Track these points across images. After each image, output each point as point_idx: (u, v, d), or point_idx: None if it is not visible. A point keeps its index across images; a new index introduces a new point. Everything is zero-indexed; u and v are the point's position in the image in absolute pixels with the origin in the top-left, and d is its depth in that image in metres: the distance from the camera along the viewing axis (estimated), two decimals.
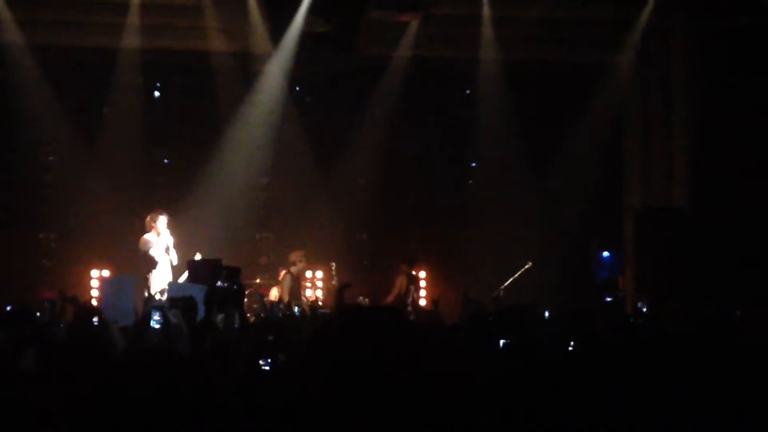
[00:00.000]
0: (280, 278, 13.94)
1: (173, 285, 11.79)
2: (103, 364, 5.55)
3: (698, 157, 13.65)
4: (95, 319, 7.82)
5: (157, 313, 7.94)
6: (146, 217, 12.52)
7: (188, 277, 11.81)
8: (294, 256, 13.93)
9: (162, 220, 12.44)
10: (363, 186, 15.50)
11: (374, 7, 12.89)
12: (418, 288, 13.85)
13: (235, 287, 10.11)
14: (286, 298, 13.15)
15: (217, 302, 9.06)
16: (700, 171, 13.73)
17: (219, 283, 10.02)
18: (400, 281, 14.20)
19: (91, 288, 14.42)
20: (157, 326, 7.66)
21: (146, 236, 12.41)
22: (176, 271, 12.43)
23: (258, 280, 14.55)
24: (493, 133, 15.06)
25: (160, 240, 12.38)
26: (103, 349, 6.03)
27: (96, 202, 14.65)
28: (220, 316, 8.47)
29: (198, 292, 10.36)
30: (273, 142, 15.09)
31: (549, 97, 14.97)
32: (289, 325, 8.82)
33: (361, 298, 12.97)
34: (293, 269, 13.83)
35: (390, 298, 13.83)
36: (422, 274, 15.33)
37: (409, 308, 13.04)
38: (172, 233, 12.48)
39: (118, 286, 12.34)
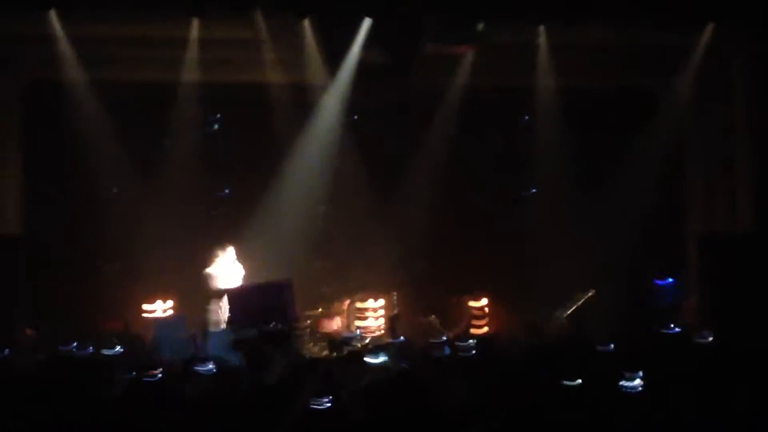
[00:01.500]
0: (344, 307, 14.18)
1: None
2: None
3: (762, 183, 13.71)
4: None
5: (210, 363, 8.00)
6: (213, 249, 12.62)
7: (230, 309, 11.83)
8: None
9: (229, 253, 12.53)
10: (420, 216, 15.31)
11: (429, 40, 12.95)
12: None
13: (284, 322, 10.85)
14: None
15: (268, 342, 9.61)
16: (764, 196, 13.66)
17: (268, 326, 10.78)
18: (468, 311, 14.51)
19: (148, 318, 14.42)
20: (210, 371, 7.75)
21: (210, 269, 12.43)
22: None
23: (320, 310, 14.54)
24: (550, 159, 15.04)
25: (226, 273, 12.42)
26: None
27: (158, 233, 14.67)
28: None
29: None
30: (330, 172, 15.12)
31: (607, 122, 14.96)
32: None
33: (433, 317, 12.92)
34: (356, 299, 14.11)
35: (461, 327, 14.10)
36: (483, 301, 15.33)
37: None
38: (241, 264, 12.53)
39: (169, 327, 12.41)
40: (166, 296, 14.70)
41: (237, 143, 15.42)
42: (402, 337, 11.33)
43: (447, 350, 8.89)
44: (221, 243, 12.72)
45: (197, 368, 7.94)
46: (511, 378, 6.75)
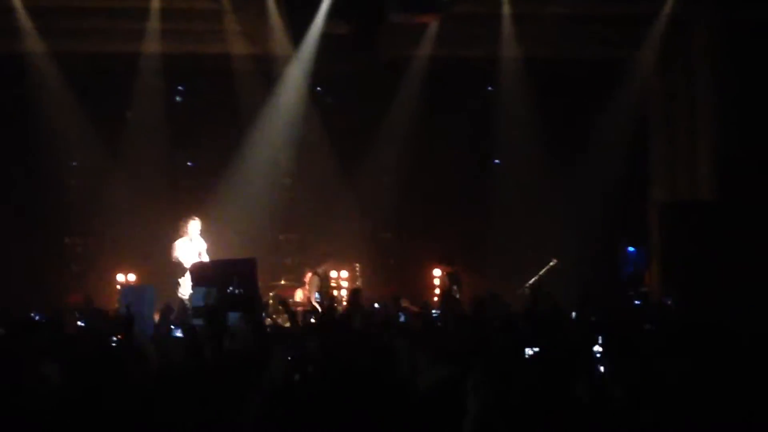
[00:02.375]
0: (305, 279, 13.87)
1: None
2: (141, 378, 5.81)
3: (724, 151, 13.60)
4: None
5: (179, 330, 8.07)
6: (178, 222, 12.47)
7: (193, 282, 11.67)
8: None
9: (194, 225, 12.33)
10: (387, 185, 15.41)
11: (393, 9, 12.84)
12: (462, 287, 13.58)
13: (246, 291, 10.57)
14: (312, 299, 13.24)
15: (228, 308, 9.20)
16: (726, 165, 13.62)
17: (231, 289, 10.48)
18: (442, 281, 14.15)
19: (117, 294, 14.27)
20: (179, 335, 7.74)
21: (177, 242, 12.30)
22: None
23: (283, 282, 14.50)
24: (516, 130, 14.99)
25: (192, 245, 12.29)
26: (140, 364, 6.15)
27: (121, 206, 14.70)
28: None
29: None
30: (295, 143, 15.10)
31: (571, 93, 14.90)
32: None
33: (402, 300, 12.81)
34: (320, 270, 13.91)
35: (441, 299, 13.86)
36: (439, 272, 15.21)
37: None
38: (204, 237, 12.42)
39: (136, 295, 12.08)
40: (130, 270, 14.79)
41: (201, 115, 15.41)
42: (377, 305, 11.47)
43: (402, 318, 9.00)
44: (186, 216, 12.56)
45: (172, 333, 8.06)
46: (465, 347, 6.65)
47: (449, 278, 13.67)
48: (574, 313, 9.67)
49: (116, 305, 12.90)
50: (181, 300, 11.94)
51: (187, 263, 12.14)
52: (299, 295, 13.68)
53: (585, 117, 14.93)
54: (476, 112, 15.55)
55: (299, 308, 12.60)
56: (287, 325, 10.98)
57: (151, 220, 14.33)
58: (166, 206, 14.37)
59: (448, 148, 15.61)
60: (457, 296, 13.19)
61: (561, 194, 14.94)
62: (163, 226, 13.34)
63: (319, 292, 13.52)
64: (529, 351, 6.65)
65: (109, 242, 15.13)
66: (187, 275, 12.16)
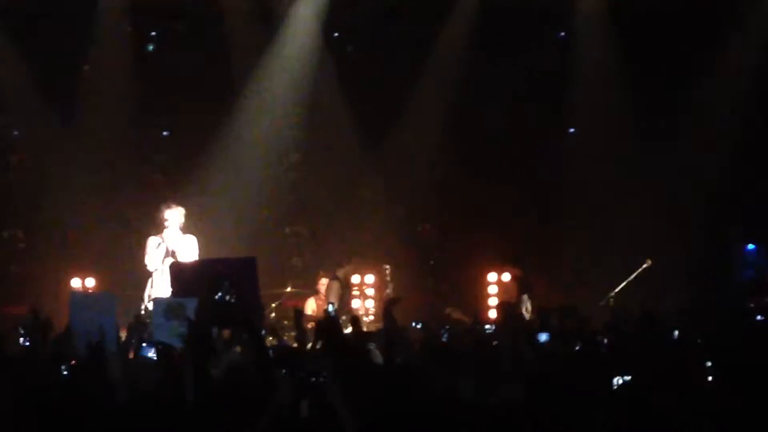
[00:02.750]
0: (319, 286, 13.99)
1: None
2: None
3: None
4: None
5: (152, 350, 8.09)
6: (153, 210, 12.47)
7: (173, 288, 11.60)
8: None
9: (174, 215, 12.26)
10: (424, 162, 15.38)
11: None
12: (534, 296, 13.60)
13: (242, 300, 9.99)
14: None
15: (218, 323, 8.87)
16: None
17: (220, 296, 9.91)
18: (509, 288, 14.15)
19: None
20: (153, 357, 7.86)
21: (152, 238, 12.26)
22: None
23: (288, 289, 14.49)
24: (596, 91, 15.09)
25: (169, 241, 12.27)
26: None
27: (76, 190, 14.67)
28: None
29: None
30: (304, 108, 15.09)
31: (671, 41, 14.95)
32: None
33: (449, 310, 12.89)
34: (340, 273, 13.92)
35: (498, 313, 13.40)
36: (507, 276, 15.19)
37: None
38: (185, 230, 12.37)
39: (90, 305, 11.43)
40: (88, 273, 14.66)
41: (179, 70, 15.24)
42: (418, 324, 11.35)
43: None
44: (163, 202, 12.46)
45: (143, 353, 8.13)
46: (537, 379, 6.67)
47: (519, 285, 13.67)
48: (676, 332, 9.50)
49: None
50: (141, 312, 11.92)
51: (151, 266, 12.19)
52: (311, 307, 13.76)
53: (692, 68, 15.02)
54: (544, 66, 15.48)
55: (310, 324, 12.38)
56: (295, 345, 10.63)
57: (116, 208, 14.45)
58: (135, 190, 14.52)
59: (506, 112, 15.48)
60: (528, 309, 13.20)
61: (656, 175, 15.01)
62: (131, 217, 13.63)
63: (338, 303, 13.57)
64: (617, 381, 6.77)
65: (60, 237, 15.09)
66: (162, 281, 12.14)
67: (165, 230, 12.11)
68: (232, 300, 10.08)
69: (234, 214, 14.42)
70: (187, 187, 14.37)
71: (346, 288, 14.07)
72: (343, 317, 12.62)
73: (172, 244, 12.15)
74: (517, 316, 12.44)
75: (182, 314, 10.31)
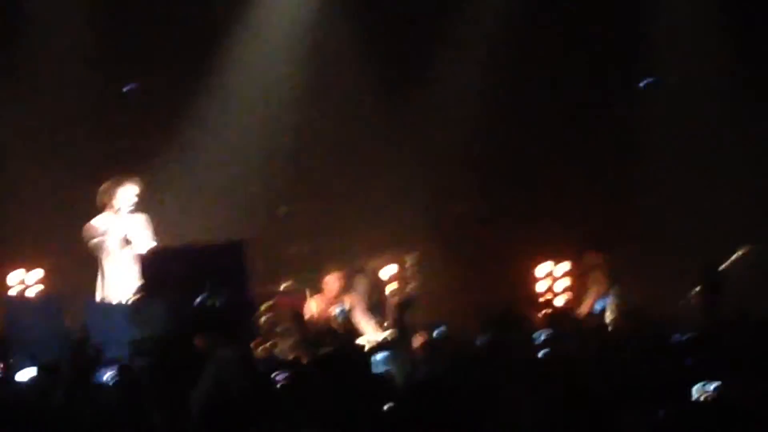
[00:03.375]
0: (323, 283, 13.34)
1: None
2: None
3: None
4: None
5: (108, 372, 8.15)
6: (100, 187, 12.10)
7: (141, 286, 11.56)
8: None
9: (124, 193, 11.96)
10: (457, 125, 14.89)
11: None
12: (625, 287, 13.05)
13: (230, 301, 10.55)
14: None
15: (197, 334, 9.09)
16: None
17: (201, 298, 10.33)
18: (596, 280, 13.40)
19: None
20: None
21: (94, 221, 11.97)
22: None
23: (283, 287, 13.96)
24: (681, 47, 14.83)
25: (119, 224, 12.02)
26: None
27: (10, 162, 14.38)
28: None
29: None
30: (305, 59, 14.76)
31: None
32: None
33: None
34: (368, 266, 13.61)
35: (584, 309, 13.26)
36: (564, 266, 14.93)
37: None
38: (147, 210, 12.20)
39: (28, 314, 11.84)
40: (31, 263, 14.41)
41: (145, 15, 14.81)
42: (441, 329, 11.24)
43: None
44: (124, 173, 12.11)
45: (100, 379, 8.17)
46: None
47: (604, 274, 13.21)
48: None
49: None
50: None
51: (109, 254, 11.98)
52: (312, 309, 13.15)
53: None
54: (611, 20, 15.09)
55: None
56: (292, 357, 11.19)
57: (63, 183, 14.05)
58: (87, 160, 14.10)
59: (561, 60, 15.10)
60: (614, 307, 12.63)
61: (755, 143, 14.60)
62: (82, 194, 12.78)
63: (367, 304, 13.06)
64: (698, 391, 6.85)
65: None
66: (116, 273, 11.96)
67: (115, 211, 12.03)
68: (217, 304, 10.55)
69: (214, 191, 14.27)
70: (152, 156, 14.03)
71: (374, 286, 13.41)
72: (372, 323, 12.54)
73: (125, 229, 12.05)
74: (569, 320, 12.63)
75: (150, 321, 10.66)
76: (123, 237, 11.83)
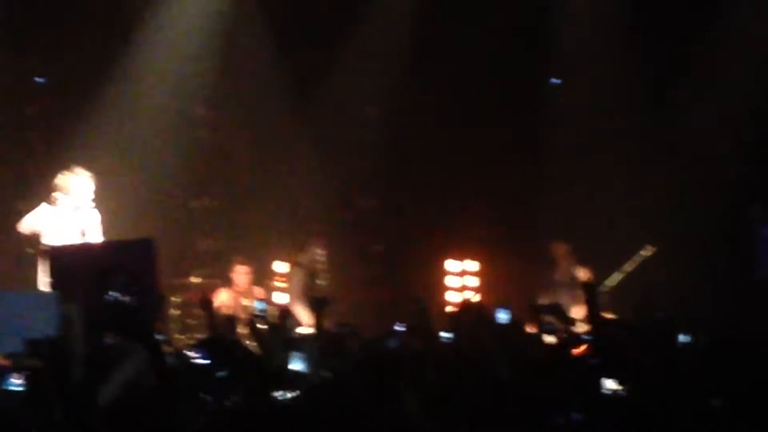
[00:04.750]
0: (233, 275, 13.55)
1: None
2: None
3: None
4: None
5: (12, 376, 7.96)
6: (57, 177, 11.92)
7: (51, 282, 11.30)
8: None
9: (84, 187, 11.74)
10: (370, 124, 15.14)
11: None
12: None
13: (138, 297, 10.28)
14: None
15: (109, 330, 9.06)
16: None
17: (111, 295, 10.01)
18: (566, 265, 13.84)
19: None
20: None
21: (36, 212, 11.78)
22: None
23: (192, 279, 14.37)
24: (585, 46, 15.00)
25: (66, 217, 11.86)
26: None
27: None
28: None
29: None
30: (217, 48, 14.71)
31: None
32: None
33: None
34: (304, 258, 13.73)
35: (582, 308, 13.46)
36: (471, 266, 15.04)
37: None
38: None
39: None
40: None
41: None
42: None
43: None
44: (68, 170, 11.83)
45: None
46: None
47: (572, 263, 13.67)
48: (681, 337, 8.86)
49: None
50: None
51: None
52: (221, 299, 13.20)
53: (697, 29, 14.71)
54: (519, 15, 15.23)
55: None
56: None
57: None
58: (6, 152, 14.26)
59: (473, 69, 15.09)
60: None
61: (660, 141, 14.82)
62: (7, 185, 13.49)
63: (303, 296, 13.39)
64: (608, 387, 6.97)
65: None
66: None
67: (73, 205, 11.81)
68: (126, 300, 10.28)
69: (129, 183, 14.06)
70: (65, 145, 13.84)
71: (311, 276, 13.72)
72: (308, 314, 12.56)
73: (82, 224, 11.89)
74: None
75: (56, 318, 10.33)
76: (80, 231, 11.71)
